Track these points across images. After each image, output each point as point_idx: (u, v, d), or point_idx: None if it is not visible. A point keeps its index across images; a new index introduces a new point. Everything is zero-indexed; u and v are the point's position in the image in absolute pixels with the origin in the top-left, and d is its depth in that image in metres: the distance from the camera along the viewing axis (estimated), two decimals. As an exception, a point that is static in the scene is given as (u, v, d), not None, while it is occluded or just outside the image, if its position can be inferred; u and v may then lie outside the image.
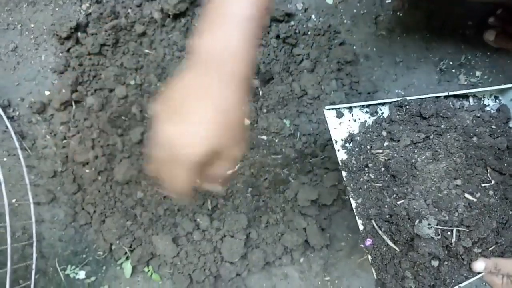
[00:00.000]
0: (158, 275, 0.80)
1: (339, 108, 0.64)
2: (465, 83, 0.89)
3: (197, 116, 0.35)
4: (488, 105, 0.69)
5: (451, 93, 0.67)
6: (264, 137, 0.84)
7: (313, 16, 0.90)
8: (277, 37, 0.87)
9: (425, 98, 0.64)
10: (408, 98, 0.64)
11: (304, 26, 0.89)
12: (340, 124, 0.65)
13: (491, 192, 0.61)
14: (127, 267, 0.79)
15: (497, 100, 0.70)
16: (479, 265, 0.59)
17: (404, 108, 0.64)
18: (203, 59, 0.38)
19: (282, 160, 0.83)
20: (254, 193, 0.81)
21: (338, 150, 0.64)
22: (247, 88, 0.39)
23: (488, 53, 0.89)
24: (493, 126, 0.66)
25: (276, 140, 0.84)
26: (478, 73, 0.89)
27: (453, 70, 0.89)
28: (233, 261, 0.77)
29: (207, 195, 0.81)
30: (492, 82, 0.89)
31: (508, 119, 0.67)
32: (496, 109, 0.69)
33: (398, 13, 0.90)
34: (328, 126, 0.64)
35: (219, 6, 0.38)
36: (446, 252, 0.58)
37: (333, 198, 0.81)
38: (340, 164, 0.63)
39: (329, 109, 0.64)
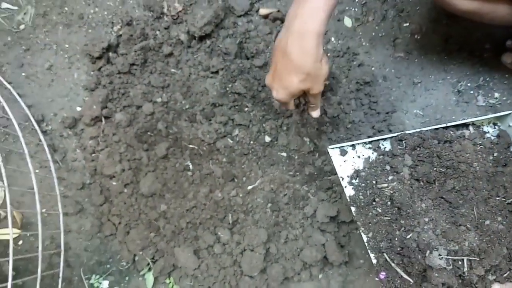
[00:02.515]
0: (179, 287, 0.81)
1: (342, 146, 0.68)
2: (484, 104, 0.90)
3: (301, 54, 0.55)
4: (488, 131, 0.70)
5: (449, 124, 0.68)
6: (284, 154, 0.87)
7: (333, 39, 0.94)
8: (298, 58, 0.91)
9: (424, 130, 0.66)
10: (407, 132, 0.67)
11: (323, 47, 0.92)
12: (345, 161, 0.69)
13: (499, 218, 0.62)
14: (149, 278, 0.81)
15: (496, 127, 0.71)
16: None
17: (404, 142, 0.66)
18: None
19: (301, 177, 0.85)
20: (274, 208, 0.83)
21: (345, 187, 0.67)
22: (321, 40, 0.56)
23: (506, 75, 0.90)
24: (495, 154, 0.67)
25: (296, 157, 0.86)
26: (496, 95, 0.90)
27: (471, 92, 0.91)
28: (252, 275, 0.78)
29: (228, 210, 0.83)
30: (510, 103, 0.90)
31: (509, 144, 0.68)
32: (496, 135, 0.70)
33: (416, 36, 0.93)
34: (333, 164, 0.68)
35: None
36: (460, 281, 0.59)
37: (352, 216, 0.82)
38: (348, 200, 0.66)
39: (333, 148, 0.68)
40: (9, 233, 0.67)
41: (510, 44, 0.85)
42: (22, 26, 0.94)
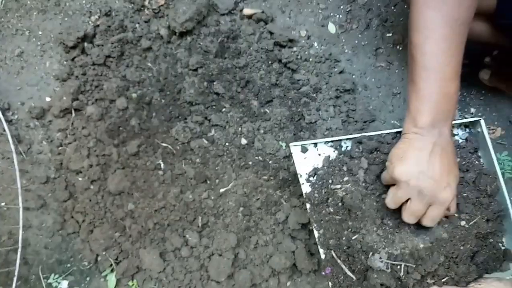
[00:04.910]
0: (142, 290, 0.79)
1: (304, 144, 0.68)
2: (459, 118, 0.91)
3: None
4: (458, 134, 0.71)
5: None
6: (260, 158, 0.85)
7: (315, 44, 0.93)
8: (279, 61, 0.90)
9: (384, 133, 0.66)
10: (367, 134, 0.67)
11: (306, 52, 0.91)
12: (305, 158, 0.69)
13: (446, 225, 0.63)
14: (112, 279, 0.78)
15: (467, 129, 0.71)
16: None
17: (361, 145, 0.66)
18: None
19: (275, 182, 0.83)
20: (246, 213, 0.81)
21: (303, 184, 0.68)
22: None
23: (483, 91, 0.92)
24: (459, 158, 0.68)
25: (271, 162, 0.85)
26: (472, 110, 0.91)
27: (448, 105, 0.91)
28: (219, 280, 0.76)
29: (198, 212, 0.80)
30: (485, 119, 0.91)
31: (476, 149, 0.69)
32: (465, 139, 0.70)
33: (398, 47, 0.93)
34: (294, 161, 0.69)
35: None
36: (398, 283, 0.62)
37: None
38: (304, 196, 0.67)
39: (295, 145, 0.69)
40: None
41: (488, 61, 0.86)
42: (-8, 9, 0.90)
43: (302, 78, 0.90)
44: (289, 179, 0.83)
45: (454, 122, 0.69)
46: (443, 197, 0.55)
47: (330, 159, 0.68)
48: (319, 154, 0.69)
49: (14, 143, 0.83)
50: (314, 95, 0.89)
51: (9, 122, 0.85)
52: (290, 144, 0.68)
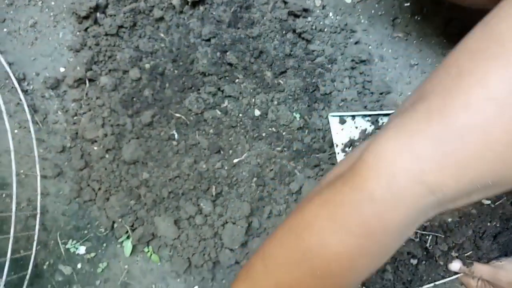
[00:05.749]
0: (158, 256, 0.80)
1: (342, 115, 0.68)
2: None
3: None
4: None
5: None
6: (273, 129, 0.84)
7: (331, 14, 0.91)
8: (294, 31, 0.88)
9: None
10: None
11: (321, 23, 0.89)
12: (342, 129, 0.70)
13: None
14: (128, 245, 0.79)
15: None
16: (455, 265, 0.64)
17: None
18: None
19: (289, 153, 0.83)
20: (259, 183, 0.81)
21: (338, 153, 0.70)
22: None
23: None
24: None
25: (284, 133, 0.84)
26: None
27: (467, 77, 0.89)
28: (233, 248, 0.77)
29: (212, 182, 0.81)
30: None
31: None
32: None
33: (416, 17, 0.90)
34: (331, 131, 0.70)
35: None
36: (424, 253, 0.63)
37: None
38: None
39: (333, 116, 0.70)
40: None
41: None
42: (5, -22, 0.89)
43: (317, 49, 0.88)
44: (303, 150, 0.82)
45: None
46: None
47: (367, 132, 0.70)
48: (356, 127, 0.71)
49: (30, 112, 0.84)
50: (329, 66, 0.87)
51: (24, 92, 0.86)
52: (329, 115, 0.69)
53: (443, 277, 0.65)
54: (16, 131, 0.85)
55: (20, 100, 0.84)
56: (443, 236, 0.62)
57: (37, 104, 0.87)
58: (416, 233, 0.61)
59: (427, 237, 0.62)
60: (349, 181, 0.31)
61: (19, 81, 0.86)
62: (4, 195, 0.83)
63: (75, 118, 0.85)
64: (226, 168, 0.82)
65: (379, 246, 0.31)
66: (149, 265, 0.81)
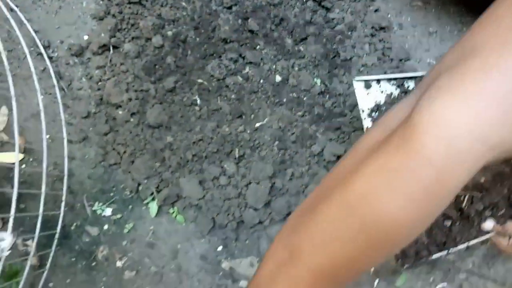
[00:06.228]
0: (182, 217, 0.82)
1: (367, 80, 0.68)
2: None
3: None
4: None
5: None
6: (294, 94, 0.85)
7: (350, -18, 0.91)
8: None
9: None
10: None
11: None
12: (367, 94, 0.69)
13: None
14: (153, 207, 0.81)
15: None
16: (488, 224, 0.64)
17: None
18: None
19: (310, 117, 0.84)
20: (281, 146, 0.83)
21: (364, 119, 0.69)
22: None
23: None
24: None
25: (305, 98, 0.85)
26: None
27: (487, 44, 0.89)
28: (257, 207, 0.78)
29: (235, 145, 0.82)
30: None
31: None
32: None
33: (435, -15, 0.91)
34: (356, 96, 0.69)
35: None
36: (458, 214, 0.63)
37: None
38: (365, 131, 0.68)
39: (358, 80, 0.68)
40: (16, 155, 0.66)
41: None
42: None
43: (337, 17, 0.89)
44: (324, 114, 0.84)
45: None
46: None
47: (392, 96, 0.69)
48: (382, 91, 0.70)
49: (56, 78, 0.86)
50: (349, 33, 0.88)
51: (50, 59, 0.87)
52: (354, 79, 0.67)
53: (476, 237, 0.64)
54: (42, 96, 0.87)
55: (46, 66, 0.86)
56: (479, 196, 0.61)
57: (62, 71, 0.88)
58: None
59: (462, 197, 0.62)
60: (403, 146, 0.29)
61: (45, 48, 0.88)
62: (31, 159, 0.85)
63: (99, 84, 0.87)
64: (248, 131, 0.83)
65: (437, 209, 0.31)
66: (174, 226, 0.82)
